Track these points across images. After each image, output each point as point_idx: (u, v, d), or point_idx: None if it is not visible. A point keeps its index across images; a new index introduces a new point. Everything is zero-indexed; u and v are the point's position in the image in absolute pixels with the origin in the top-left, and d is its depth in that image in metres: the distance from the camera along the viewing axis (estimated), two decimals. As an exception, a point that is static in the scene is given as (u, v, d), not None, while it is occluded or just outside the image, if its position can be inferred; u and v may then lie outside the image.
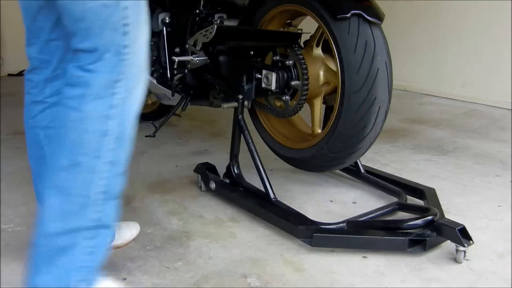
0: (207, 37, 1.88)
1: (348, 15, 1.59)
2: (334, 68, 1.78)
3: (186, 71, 2.15)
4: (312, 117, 1.92)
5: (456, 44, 3.66)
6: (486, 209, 1.84)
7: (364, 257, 1.50)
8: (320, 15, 1.67)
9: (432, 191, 1.84)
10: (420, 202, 1.81)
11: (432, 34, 3.79)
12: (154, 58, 2.29)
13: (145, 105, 2.98)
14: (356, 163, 1.98)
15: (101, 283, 1.16)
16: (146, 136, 2.32)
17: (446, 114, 3.26)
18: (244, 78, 1.86)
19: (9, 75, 4.42)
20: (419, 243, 1.50)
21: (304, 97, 1.80)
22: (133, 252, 1.53)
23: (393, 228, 1.55)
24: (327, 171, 2.02)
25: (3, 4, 4.36)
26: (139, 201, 1.89)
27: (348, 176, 2.08)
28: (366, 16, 1.58)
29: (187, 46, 2.06)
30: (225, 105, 1.89)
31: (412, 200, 1.83)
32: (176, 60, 2.05)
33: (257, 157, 1.77)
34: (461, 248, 1.44)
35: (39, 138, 1.34)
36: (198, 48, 1.97)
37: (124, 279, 1.39)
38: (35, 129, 1.34)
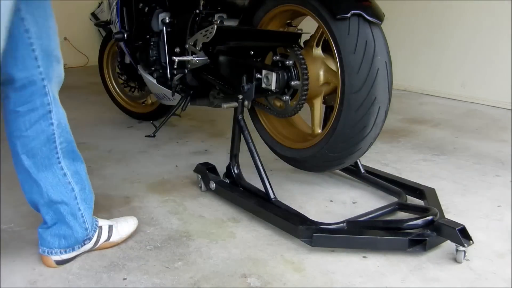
0: (207, 37, 1.88)
1: (348, 15, 1.58)
2: (334, 68, 1.78)
3: (186, 71, 2.15)
4: (312, 117, 1.92)
5: (456, 44, 3.66)
6: (486, 209, 1.84)
7: (364, 257, 1.50)
8: (320, 15, 1.67)
9: (432, 191, 1.84)
10: (420, 202, 1.81)
11: (432, 34, 3.79)
12: (154, 58, 2.29)
13: (145, 105, 2.98)
14: (356, 163, 1.98)
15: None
16: (146, 136, 2.32)
17: (446, 114, 3.26)
18: (244, 78, 1.86)
19: (9, 75, 4.43)
20: (419, 243, 1.50)
21: (304, 97, 1.80)
22: (133, 252, 1.53)
23: (393, 228, 1.55)
24: (327, 171, 2.02)
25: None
26: (139, 201, 1.89)
27: (348, 176, 2.08)
28: (366, 16, 1.58)
29: (187, 46, 2.06)
30: (225, 105, 1.89)
31: (412, 200, 1.83)
32: (176, 60, 2.05)
33: (257, 157, 1.77)
34: (461, 248, 1.44)
35: (16, 148, 1.37)
36: (198, 48, 1.97)
37: (124, 279, 1.39)
38: (12, 138, 1.36)
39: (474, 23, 3.53)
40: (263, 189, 1.75)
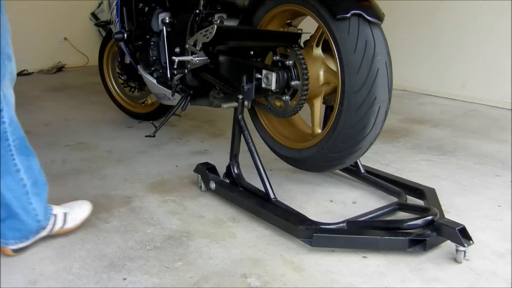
0: (207, 37, 1.88)
1: (348, 15, 1.58)
2: (334, 68, 1.78)
3: (186, 71, 2.15)
4: (312, 117, 1.92)
5: (456, 44, 3.66)
6: (486, 209, 1.84)
7: (364, 257, 1.50)
8: (320, 15, 1.67)
9: (432, 191, 1.84)
10: (420, 202, 1.81)
11: (432, 34, 3.78)
12: (154, 58, 2.29)
13: (145, 105, 2.98)
14: (356, 163, 1.98)
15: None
16: (146, 136, 2.32)
17: (446, 114, 3.26)
18: (244, 78, 1.86)
19: (9, 75, 4.43)
20: (419, 243, 1.50)
21: (304, 97, 1.80)
22: (133, 252, 1.53)
23: (393, 228, 1.55)
24: (327, 171, 2.02)
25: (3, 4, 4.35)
26: (139, 201, 1.89)
27: (348, 176, 2.08)
28: (366, 16, 1.58)
29: (187, 46, 2.06)
30: (225, 105, 1.89)
31: (412, 200, 1.83)
32: (176, 60, 2.05)
33: (257, 157, 1.77)
34: (461, 248, 1.44)
35: None
36: (198, 48, 1.97)
37: (124, 279, 1.39)
38: None
39: (475, 23, 3.53)
40: (263, 189, 1.75)
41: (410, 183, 1.90)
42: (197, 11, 2.11)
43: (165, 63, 2.24)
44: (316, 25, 1.76)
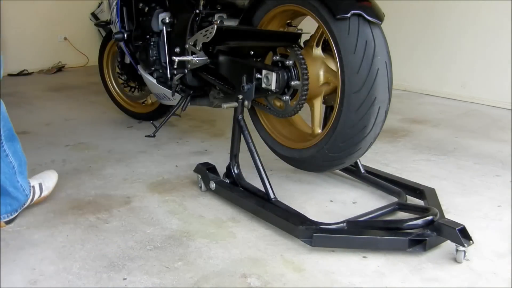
0: (207, 37, 1.88)
1: (348, 15, 1.58)
2: (334, 68, 1.78)
3: (186, 71, 2.15)
4: (312, 117, 1.92)
5: (456, 44, 3.66)
6: (486, 209, 1.84)
7: (364, 257, 1.50)
8: (320, 15, 1.67)
9: (432, 191, 1.84)
10: (420, 202, 1.81)
11: (432, 34, 3.78)
12: (154, 58, 2.29)
13: (145, 105, 2.98)
14: (356, 163, 1.98)
15: None
16: (146, 136, 2.32)
17: (446, 114, 3.26)
18: (244, 78, 1.86)
19: (9, 75, 4.43)
20: (419, 243, 1.50)
21: (304, 97, 1.80)
22: (133, 252, 1.53)
23: (393, 228, 1.55)
24: (327, 171, 2.02)
25: (3, 4, 4.36)
26: (139, 201, 1.89)
27: (348, 176, 2.08)
28: (366, 16, 1.58)
29: (187, 46, 2.06)
30: (225, 105, 1.89)
31: (412, 200, 1.83)
32: (176, 60, 2.05)
33: (257, 157, 1.77)
34: (461, 248, 1.44)
35: None
36: (198, 48, 1.97)
37: (124, 279, 1.39)
38: None
39: (475, 23, 3.53)
40: (263, 189, 1.75)
41: (410, 183, 1.90)
42: (197, 11, 2.11)
43: (165, 63, 2.24)
44: (316, 25, 1.76)
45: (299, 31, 1.95)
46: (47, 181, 1.87)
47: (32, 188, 1.79)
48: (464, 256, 1.46)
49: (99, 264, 1.46)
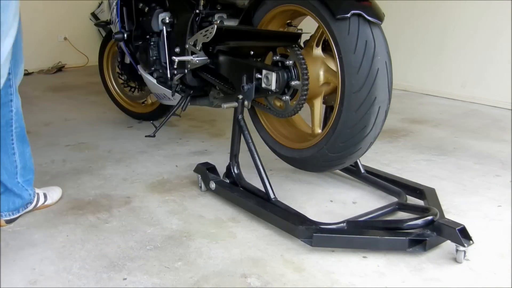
0: (207, 37, 1.88)
1: (348, 15, 1.58)
2: (334, 68, 1.78)
3: (186, 71, 2.15)
4: (312, 117, 1.92)
5: (456, 44, 3.66)
6: (486, 209, 1.84)
7: (364, 257, 1.50)
8: (320, 15, 1.67)
9: (432, 191, 1.84)
10: (420, 202, 1.81)
11: (432, 34, 3.79)
12: (154, 58, 2.29)
13: (145, 105, 2.98)
14: (356, 163, 1.98)
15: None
16: (146, 136, 2.32)
17: (446, 114, 3.26)
18: (244, 78, 1.86)
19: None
20: (419, 243, 1.50)
21: (304, 97, 1.80)
22: (133, 252, 1.53)
23: (393, 228, 1.55)
24: (327, 171, 2.02)
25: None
26: (139, 201, 1.89)
27: (348, 176, 2.08)
28: (366, 16, 1.58)
29: (187, 46, 2.06)
30: (225, 105, 1.89)
31: (412, 200, 1.83)
32: (176, 60, 2.05)
33: (257, 157, 1.77)
34: (461, 248, 1.44)
35: None
36: (198, 48, 1.97)
37: (124, 279, 1.39)
38: None
39: (474, 23, 3.53)
40: (263, 189, 1.75)
41: (410, 183, 1.90)
42: (197, 11, 2.11)
43: (165, 63, 2.24)
44: (316, 25, 1.76)
45: (299, 31, 1.95)
46: (52, 193, 1.89)
47: (36, 195, 1.80)
48: (464, 256, 1.46)
49: (99, 264, 1.46)
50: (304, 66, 1.77)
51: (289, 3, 1.80)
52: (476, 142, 2.64)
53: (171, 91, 2.26)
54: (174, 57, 2.06)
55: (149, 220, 1.74)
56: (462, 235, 1.43)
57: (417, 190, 1.84)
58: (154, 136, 2.27)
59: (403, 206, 1.73)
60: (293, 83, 1.79)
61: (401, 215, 1.71)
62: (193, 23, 2.11)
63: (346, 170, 2.06)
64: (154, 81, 2.34)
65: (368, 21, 1.59)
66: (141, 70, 2.43)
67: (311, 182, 2.08)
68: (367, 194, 1.96)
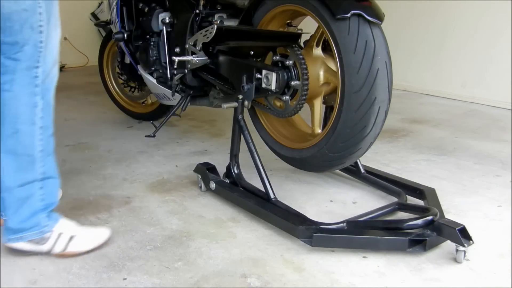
0: (207, 37, 1.88)
1: (348, 15, 1.58)
2: (334, 68, 1.78)
3: (186, 71, 2.15)
4: (312, 117, 1.92)
5: (456, 44, 3.66)
6: (486, 209, 1.84)
7: (364, 257, 1.50)
8: (320, 15, 1.67)
9: (432, 191, 1.84)
10: (420, 202, 1.81)
11: (432, 34, 3.79)
12: (154, 58, 2.29)
13: (145, 105, 2.98)
14: (356, 163, 1.98)
15: (59, 223, 1.51)
16: (146, 136, 2.32)
17: (446, 114, 3.26)
18: (244, 78, 1.86)
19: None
20: (419, 243, 1.50)
21: (304, 97, 1.80)
22: (133, 252, 1.53)
23: (393, 228, 1.55)
24: (327, 171, 2.02)
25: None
26: (139, 201, 1.89)
27: (348, 176, 2.08)
28: (366, 16, 1.58)
29: (187, 46, 2.06)
30: (225, 105, 1.89)
31: (412, 200, 1.83)
32: (176, 60, 2.05)
33: (257, 157, 1.77)
34: (461, 248, 1.44)
35: None
36: (198, 48, 1.97)
37: (124, 279, 1.39)
38: None
39: (474, 23, 3.53)
40: (263, 189, 1.75)
41: (410, 183, 1.90)
42: (197, 11, 2.11)
43: (165, 63, 2.24)
44: (316, 25, 1.76)
45: (299, 31, 1.95)
46: (82, 238, 1.58)
47: (57, 235, 1.53)
48: (464, 256, 1.46)
49: (99, 264, 1.46)
50: (304, 66, 1.77)
51: (289, 3, 1.80)
52: (476, 142, 2.64)
53: (171, 91, 2.26)
54: (174, 57, 2.06)
55: (149, 220, 1.74)
56: (462, 235, 1.43)
57: (417, 190, 1.84)
58: (154, 136, 2.27)
59: (403, 206, 1.73)
60: (293, 83, 1.79)
61: (401, 215, 1.71)
62: (193, 23, 2.11)
63: (346, 170, 2.06)
64: (154, 81, 2.34)
65: (368, 21, 1.59)
66: (141, 70, 2.43)
67: (311, 182, 2.08)
68: (367, 194, 1.96)
